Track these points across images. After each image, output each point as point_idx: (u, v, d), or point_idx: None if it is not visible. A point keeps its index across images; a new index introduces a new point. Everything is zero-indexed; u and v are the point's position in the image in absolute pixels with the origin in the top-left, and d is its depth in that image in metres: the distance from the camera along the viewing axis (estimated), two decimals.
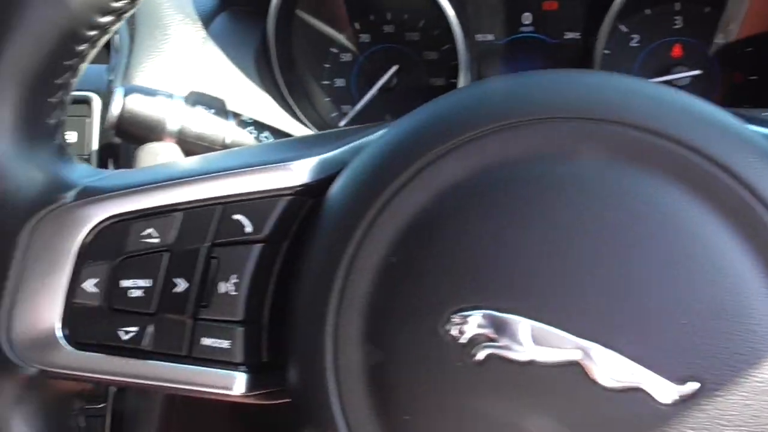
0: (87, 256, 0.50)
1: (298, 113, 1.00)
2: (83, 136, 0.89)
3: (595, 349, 0.39)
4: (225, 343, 0.47)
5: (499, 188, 0.42)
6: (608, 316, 0.40)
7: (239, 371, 0.47)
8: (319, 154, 0.51)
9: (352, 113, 1.04)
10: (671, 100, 0.43)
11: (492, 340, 0.41)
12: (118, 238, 0.49)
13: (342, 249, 0.44)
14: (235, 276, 0.48)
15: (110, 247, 0.50)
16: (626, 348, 0.39)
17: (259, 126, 0.77)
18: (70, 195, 0.51)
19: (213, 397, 0.48)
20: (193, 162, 0.54)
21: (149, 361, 0.48)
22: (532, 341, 0.40)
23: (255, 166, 0.50)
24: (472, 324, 0.41)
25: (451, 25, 0.95)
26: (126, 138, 0.74)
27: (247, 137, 0.75)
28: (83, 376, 0.49)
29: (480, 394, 0.41)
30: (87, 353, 0.49)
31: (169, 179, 0.50)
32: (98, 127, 0.89)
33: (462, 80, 0.98)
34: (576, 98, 0.42)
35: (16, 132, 0.50)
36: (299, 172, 0.49)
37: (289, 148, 0.55)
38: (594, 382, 0.39)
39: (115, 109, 0.72)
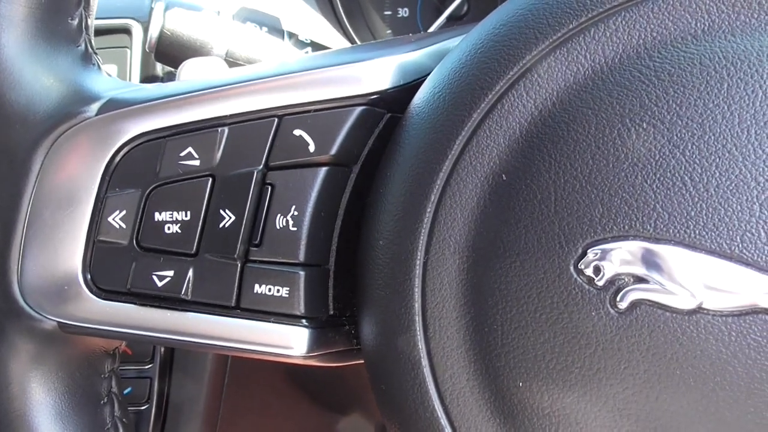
0: (113, 182, 0.40)
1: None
2: (124, 69, 0.79)
3: None
4: (282, 291, 0.37)
5: (646, 76, 0.31)
6: None
7: (300, 326, 0.37)
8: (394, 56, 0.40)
9: None
10: None
11: (642, 281, 0.30)
12: (151, 160, 0.40)
13: (435, 166, 0.34)
14: (295, 207, 0.38)
15: (141, 171, 0.40)
16: None
17: (319, 49, 0.67)
18: (93, 108, 0.41)
19: (268, 358, 0.38)
20: (241, 70, 0.44)
21: (188, 313, 0.39)
22: (701, 281, 0.29)
23: (317, 69, 0.39)
24: (615, 260, 0.30)
25: None
26: (167, 61, 0.65)
27: None
28: (109, 330, 0.40)
29: (623, 356, 0.30)
30: (113, 303, 0.40)
31: (211, 88, 0.41)
32: (140, 59, 0.79)
33: None
34: None
35: (29, 31, 0.41)
36: (372, 77, 0.39)
37: (356, 51, 0.45)
38: None
39: (154, 28, 0.62)
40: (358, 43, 0.91)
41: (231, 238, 0.38)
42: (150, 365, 0.76)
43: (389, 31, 0.95)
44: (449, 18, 0.93)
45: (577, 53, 0.32)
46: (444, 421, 0.34)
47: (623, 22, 0.32)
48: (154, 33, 0.62)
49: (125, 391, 0.74)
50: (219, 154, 0.39)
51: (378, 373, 0.37)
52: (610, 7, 0.32)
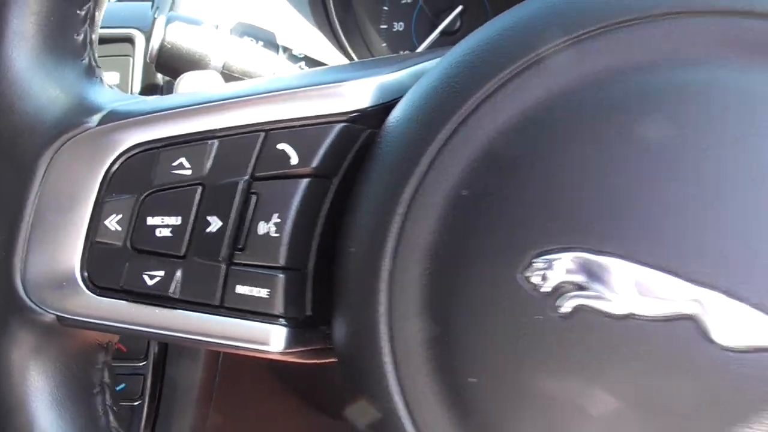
0: (111, 188, 0.44)
1: (354, 58, 0.93)
2: (126, 77, 0.83)
3: (714, 299, 0.32)
4: (263, 292, 0.40)
5: (595, 104, 0.34)
6: (735, 258, 0.32)
7: (278, 325, 0.41)
8: (376, 76, 0.43)
9: None
10: None
11: (583, 288, 0.33)
12: (145, 169, 0.43)
13: (404, 181, 0.37)
14: (277, 215, 0.41)
15: (136, 179, 0.43)
16: (758, 298, 0.31)
17: (312, 62, 0.70)
18: (95, 119, 0.45)
19: (247, 353, 0.41)
20: (233, 86, 0.48)
21: (176, 310, 0.42)
22: (634, 290, 0.33)
23: (303, 88, 0.43)
24: (559, 269, 0.34)
25: None
26: (167, 72, 0.68)
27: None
28: (103, 324, 0.43)
29: (564, 356, 0.34)
30: (108, 299, 0.43)
31: (204, 103, 0.44)
32: (141, 67, 0.83)
33: None
34: None
35: (38, 46, 0.44)
36: (353, 96, 0.42)
37: (342, 71, 0.48)
38: (711, 342, 0.32)
39: (155, 40, 0.65)
40: (353, 55, 0.94)
41: (217, 242, 0.41)
42: (144, 362, 0.79)
43: (384, 45, 0.98)
44: (443, 33, 0.95)
45: (532, 83, 0.35)
46: (405, 413, 0.37)
47: (578, 54, 0.35)
48: (155, 45, 0.65)
49: (119, 387, 0.77)
50: (209, 165, 0.43)
51: (346, 370, 0.40)
52: (567, 39, 0.35)
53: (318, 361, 0.44)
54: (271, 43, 0.69)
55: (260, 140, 0.42)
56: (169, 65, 0.66)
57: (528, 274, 0.34)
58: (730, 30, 0.33)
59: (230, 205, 0.42)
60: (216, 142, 0.43)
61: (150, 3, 0.86)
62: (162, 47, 0.65)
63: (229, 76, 0.67)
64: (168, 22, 0.66)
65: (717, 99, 0.33)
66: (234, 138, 0.43)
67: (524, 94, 0.35)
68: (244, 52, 0.67)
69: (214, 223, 0.42)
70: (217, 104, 0.44)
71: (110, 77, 0.85)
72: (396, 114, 0.40)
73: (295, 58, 0.69)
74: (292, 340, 0.41)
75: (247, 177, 0.42)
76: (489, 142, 0.36)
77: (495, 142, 0.36)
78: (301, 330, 0.42)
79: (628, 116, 0.34)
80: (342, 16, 0.94)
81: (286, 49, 0.70)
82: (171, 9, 0.82)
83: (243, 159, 0.42)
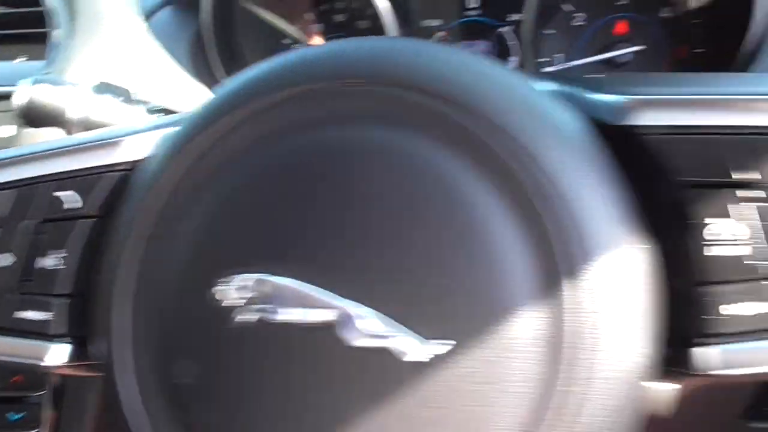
0: None
1: None
2: (21, 130, 0.91)
3: (352, 309, 0.40)
4: (41, 316, 0.48)
5: (259, 157, 0.43)
6: (370, 276, 0.40)
7: (54, 343, 0.49)
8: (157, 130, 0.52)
9: None
10: (446, 61, 0.43)
11: (258, 302, 0.42)
12: None
13: (130, 224, 0.46)
14: (61, 251, 0.49)
15: None
16: (386, 308, 0.40)
17: (168, 113, 0.79)
18: None
19: (27, 367, 0.49)
20: (37, 143, 0.56)
21: None
22: (297, 303, 0.41)
23: (91, 143, 0.51)
24: (236, 288, 0.42)
25: (378, 12, 0.95)
26: (35, 126, 0.76)
27: None
28: None
29: (244, 357, 0.42)
30: None
31: (10, 158, 0.52)
32: None
33: None
34: (335, 65, 0.43)
35: None
36: (130, 149, 0.50)
37: (132, 127, 0.57)
38: (341, 342, 0.40)
39: (17, 99, 0.74)
40: None
41: (10, 275, 0.50)
42: (43, 392, 0.85)
43: None
44: None
45: (230, 141, 0.44)
46: (143, 412, 0.45)
47: (252, 124, 0.44)
48: (19, 104, 0.74)
49: (18, 416, 0.84)
50: (8, 210, 0.51)
51: (105, 380, 0.48)
52: (261, 104, 0.44)
53: (96, 374, 0.52)
54: (128, 98, 0.78)
55: (49, 188, 0.50)
56: (34, 121, 0.75)
57: (214, 292, 0.42)
58: (384, 99, 0.42)
59: (21, 243, 0.50)
60: (15, 191, 0.51)
61: (43, 62, 0.95)
62: (27, 105, 0.74)
63: (89, 128, 0.75)
64: (33, 83, 0.75)
65: (361, 153, 0.41)
66: (29, 187, 0.51)
67: (213, 153, 0.44)
68: (102, 108, 0.76)
69: (8, 260, 0.50)
70: (21, 158, 0.52)
71: (8, 130, 0.94)
72: (144, 164, 0.48)
73: (152, 110, 0.78)
74: (71, 356, 0.49)
75: (37, 220, 0.50)
76: (194, 192, 0.44)
77: (200, 193, 0.44)
78: (79, 348, 0.50)
79: (296, 170, 0.42)
80: (229, 66, 1.03)
81: (144, 103, 0.78)
82: (62, 70, 0.91)
83: (36, 204, 0.50)
